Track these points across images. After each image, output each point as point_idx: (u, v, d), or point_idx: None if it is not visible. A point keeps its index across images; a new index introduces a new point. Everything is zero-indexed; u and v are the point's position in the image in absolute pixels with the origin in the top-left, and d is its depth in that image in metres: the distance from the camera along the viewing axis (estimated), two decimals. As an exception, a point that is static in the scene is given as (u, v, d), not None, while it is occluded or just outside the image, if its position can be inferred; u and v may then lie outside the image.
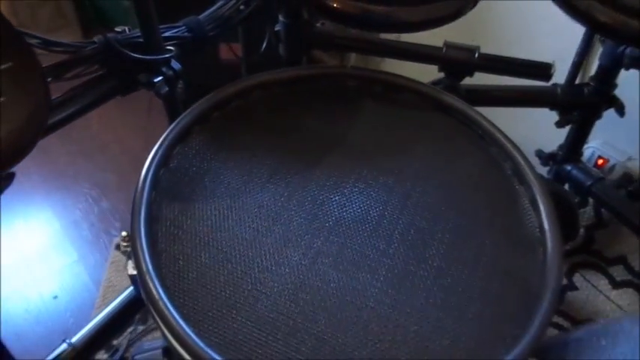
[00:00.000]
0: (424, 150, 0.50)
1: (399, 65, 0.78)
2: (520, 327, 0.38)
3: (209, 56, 1.29)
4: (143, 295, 0.37)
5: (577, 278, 1.08)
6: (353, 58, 1.62)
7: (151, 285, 0.37)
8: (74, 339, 0.70)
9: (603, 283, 1.09)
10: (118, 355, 0.99)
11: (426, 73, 0.73)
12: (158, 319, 0.36)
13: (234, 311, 0.37)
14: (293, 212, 0.43)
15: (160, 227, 0.41)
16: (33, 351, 1.00)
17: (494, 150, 0.50)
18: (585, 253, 1.11)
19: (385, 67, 1.56)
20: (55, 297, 1.15)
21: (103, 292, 1.16)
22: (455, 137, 0.51)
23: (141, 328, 1.02)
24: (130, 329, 1.02)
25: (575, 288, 1.07)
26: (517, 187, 0.47)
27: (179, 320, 0.35)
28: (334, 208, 0.44)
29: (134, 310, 0.74)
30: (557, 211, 0.44)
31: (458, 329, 0.38)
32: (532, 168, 0.47)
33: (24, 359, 0.95)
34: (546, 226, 0.43)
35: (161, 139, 0.46)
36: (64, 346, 0.70)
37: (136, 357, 1.01)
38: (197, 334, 0.35)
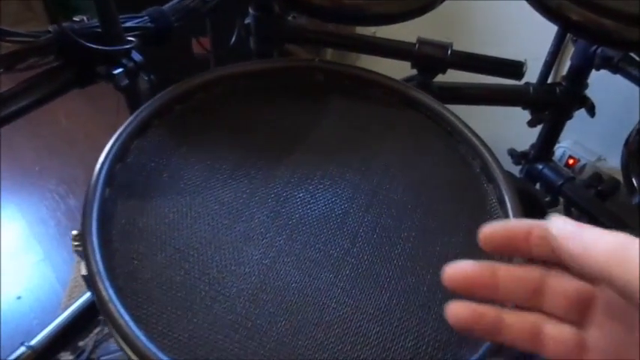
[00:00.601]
0: (392, 147, 0.48)
1: (374, 62, 0.77)
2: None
3: (181, 50, 1.26)
4: (94, 297, 0.35)
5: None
6: (329, 54, 1.61)
7: (101, 286, 0.35)
8: (34, 341, 0.67)
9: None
10: (84, 356, 0.96)
11: (402, 71, 0.72)
12: (108, 321, 0.34)
13: (190, 313, 0.36)
14: (255, 209, 0.42)
15: (113, 226, 0.39)
16: (-7, 353, 0.96)
17: (463, 148, 0.49)
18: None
19: (361, 63, 1.55)
20: (19, 297, 1.12)
21: (69, 292, 1.13)
22: (423, 134, 0.50)
23: (107, 329, 0.99)
24: (96, 330, 0.99)
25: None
26: (485, 185, 0.47)
27: (130, 323, 0.33)
28: (298, 206, 0.43)
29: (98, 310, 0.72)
30: (525, 209, 0.44)
31: (422, 330, 0.37)
32: (500, 166, 0.47)
33: (-17, 362, 0.92)
34: (513, 224, 0.42)
35: (117, 133, 0.44)
36: (22, 349, 0.67)
37: (102, 358, 0.98)
38: (149, 338, 0.33)
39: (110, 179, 0.41)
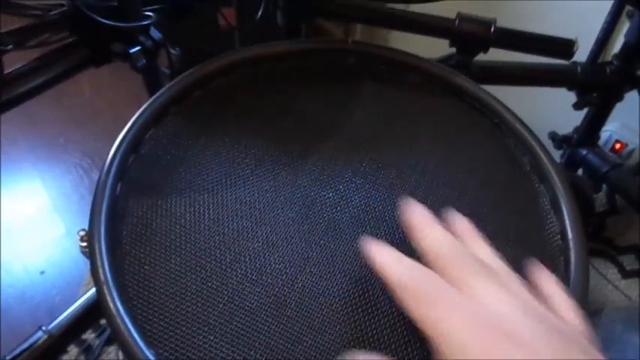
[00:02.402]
0: (432, 141, 0.44)
1: (406, 39, 0.71)
2: None
3: (207, 22, 1.21)
4: (101, 307, 0.32)
5: (585, 267, 1.03)
6: (359, 29, 1.53)
7: (108, 297, 0.31)
8: (51, 326, 0.66)
9: (612, 272, 1.04)
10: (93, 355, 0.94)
11: (437, 49, 0.66)
12: (115, 337, 0.31)
13: (206, 328, 0.32)
14: (280, 211, 0.38)
15: (125, 225, 0.36)
16: (16, 330, 0.97)
17: (512, 142, 0.44)
18: (595, 240, 1.06)
19: (392, 40, 1.48)
20: (42, 272, 1.12)
21: (91, 267, 1.12)
22: (467, 126, 0.45)
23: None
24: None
25: (583, 277, 1.03)
26: (537, 185, 0.42)
27: (139, 342, 0.30)
28: (327, 208, 0.38)
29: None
30: (582, 214, 0.39)
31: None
32: (555, 164, 0.42)
33: (6, 338, 0.92)
34: (570, 233, 0.37)
35: (131, 121, 0.40)
36: (39, 333, 0.65)
37: None
38: (159, 357, 0.30)
39: (122, 173, 0.38)
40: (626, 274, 1.03)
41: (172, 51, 0.54)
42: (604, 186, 1.01)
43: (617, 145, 1.00)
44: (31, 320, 0.99)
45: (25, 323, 0.99)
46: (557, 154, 0.96)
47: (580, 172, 0.95)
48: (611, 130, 1.01)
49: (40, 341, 0.65)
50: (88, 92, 1.53)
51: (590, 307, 0.99)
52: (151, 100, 0.41)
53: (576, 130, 0.92)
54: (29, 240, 1.15)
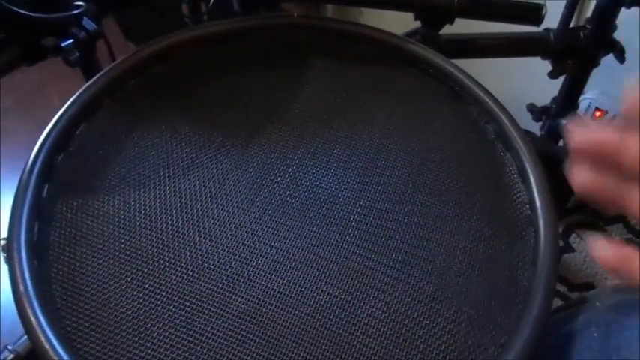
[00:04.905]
0: (388, 114, 0.41)
1: (379, 18, 0.68)
2: (508, 333, 0.30)
3: (170, 14, 1.17)
4: (21, 321, 0.29)
5: (573, 239, 1.01)
6: (330, 11, 1.49)
7: (28, 310, 0.28)
8: (17, 344, 0.63)
9: (602, 243, 1.02)
10: None
11: (409, 25, 0.64)
12: (39, 353, 0.27)
13: (142, 336, 0.29)
14: (224, 201, 0.35)
15: (52, 230, 0.33)
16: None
17: (475, 110, 0.41)
18: (581, 213, 1.04)
19: (364, 19, 1.44)
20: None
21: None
22: (426, 96, 0.42)
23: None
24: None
25: (572, 250, 1.00)
26: (502, 154, 0.39)
27: (64, 357, 0.27)
28: (275, 193, 0.35)
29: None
30: (550, 179, 0.36)
31: (427, 342, 0.30)
32: (520, 131, 0.39)
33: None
34: (538, 202, 0.34)
35: (57, 117, 0.36)
36: (5, 353, 0.62)
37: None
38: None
39: (48, 173, 0.34)
40: (616, 245, 1.01)
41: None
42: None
43: (598, 113, 0.97)
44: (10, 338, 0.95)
45: (3, 340, 0.95)
46: (536, 127, 0.94)
47: (561, 143, 0.92)
48: (590, 98, 0.98)
49: (6, 360, 0.62)
50: (56, 102, 1.48)
51: (581, 280, 0.97)
52: (78, 93, 0.38)
53: (554, 100, 0.90)
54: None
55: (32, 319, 0.28)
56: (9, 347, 0.64)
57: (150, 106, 0.40)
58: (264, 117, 0.40)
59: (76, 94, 0.38)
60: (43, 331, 0.27)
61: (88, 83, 0.38)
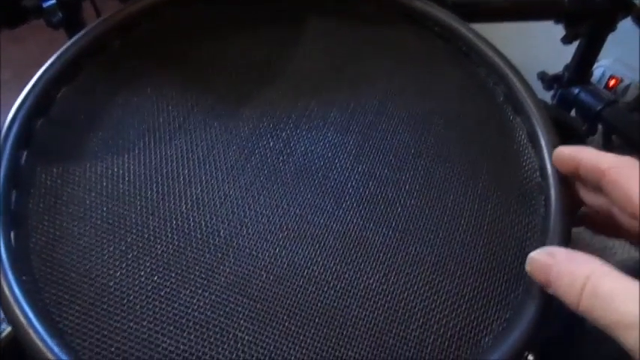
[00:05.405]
0: (389, 75, 0.38)
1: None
2: (513, 308, 0.28)
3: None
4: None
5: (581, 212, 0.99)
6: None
7: (3, 282, 0.26)
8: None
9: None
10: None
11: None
12: (13, 328, 0.26)
13: (125, 309, 0.27)
14: (212, 167, 0.33)
15: (31, 198, 0.31)
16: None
17: (483, 71, 0.39)
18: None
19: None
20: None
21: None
22: (431, 57, 0.40)
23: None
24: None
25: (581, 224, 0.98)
26: (511, 118, 0.36)
27: (41, 332, 0.25)
28: (267, 159, 0.33)
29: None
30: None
31: (427, 316, 0.28)
32: (531, 92, 0.36)
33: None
34: (549, 168, 0.32)
35: (33, 80, 0.34)
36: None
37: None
38: (68, 348, 0.26)
39: (27, 139, 0.32)
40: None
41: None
42: (600, 127, 0.96)
43: (612, 82, 0.94)
44: None
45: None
46: (547, 96, 0.90)
47: (573, 113, 0.89)
48: (604, 65, 0.94)
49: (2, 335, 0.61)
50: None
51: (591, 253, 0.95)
52: (58, 53, 0.35)
53: (567, 67, 0.86)
54: None
55: (6, 291, 0.26)
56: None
57: (135, 68, 0.37)
58: (256, 79, 0.37)
59: (55, 56, 0.35)
60: (19, 304, 0.26)
61: (68, 43, 0.36)
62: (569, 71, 0.85)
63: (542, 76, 0.89)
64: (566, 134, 0.83)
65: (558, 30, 0.76)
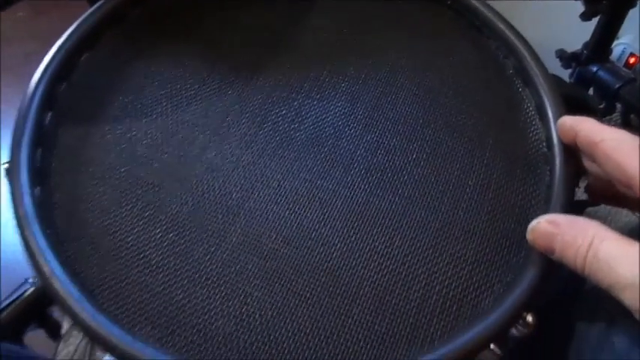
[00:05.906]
0: (399, 47, 0.39)
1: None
2: (514, 272, 0.29)
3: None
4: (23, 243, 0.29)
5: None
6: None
7: (27, 230, 0.28)
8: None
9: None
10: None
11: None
12: (40, 276, 0.28)
13: (142, 262, 0.29)
14: (226, 133, 0.34)
15: (54, 157, 0.33)
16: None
17: (493, 44, 0.39)
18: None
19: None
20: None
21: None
22: (441, 28, 0.40)
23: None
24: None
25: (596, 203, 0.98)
26: (520, 90, 0.37)
27: (65, 281, 0.27)
28: (279, 126, 0.34)
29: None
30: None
31: (430, 278, 0.29)
32: (541, 65, 0.36)
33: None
34: (555, 139, 0.32)
35: (59, 43, 0.35)
36: (26, 285, 0.64)
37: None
38: (92, 295, 0.27)
39: (50, 101, 0.34)
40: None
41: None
42: (618, 106, 0.95)
43: (632, 60, 0.92)
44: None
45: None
46: (566, 74, 0.89)
47: (591, 91, 0.88)
48: (624, 43, 0.93)
49: (27, 293, 0.64)
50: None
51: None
52: (81, 19, 0.37)
53: (585, 45, 0.85)
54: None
55: (32, 241, 0.28)
56: (29, 280, 0.66)
57: (153, 36, 0.38)
58: (270, 49, 0.38)
59: (77, 23, 0.37)
60: (43, 254, 0.28)
61: (89, 11, 0.37)
62: (588, 49, 0.84)
63: (561, 54, 0.87)
64: (583, 113, 0.82)
65: (577, 7, 0.75)
